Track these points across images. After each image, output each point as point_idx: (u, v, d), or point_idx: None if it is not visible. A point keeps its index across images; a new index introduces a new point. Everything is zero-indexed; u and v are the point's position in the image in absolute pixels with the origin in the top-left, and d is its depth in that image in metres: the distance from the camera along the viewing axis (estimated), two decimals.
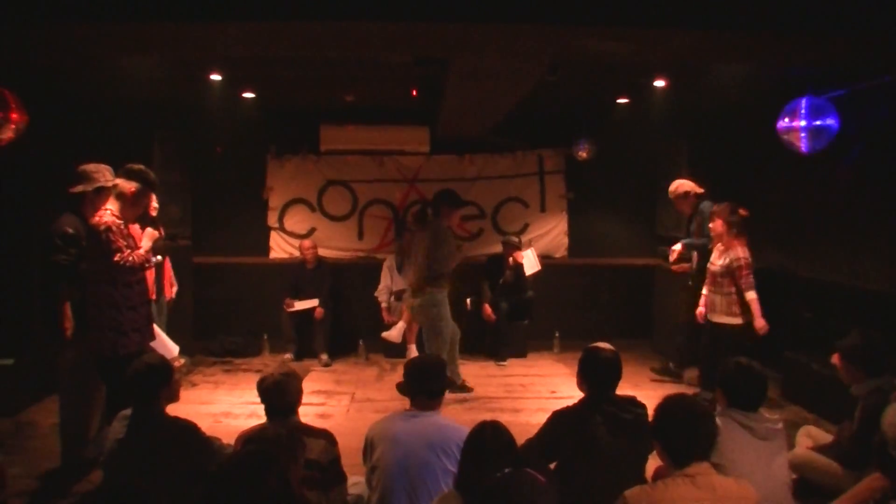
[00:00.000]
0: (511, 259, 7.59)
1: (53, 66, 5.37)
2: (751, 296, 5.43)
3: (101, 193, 4.42)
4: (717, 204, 5.76)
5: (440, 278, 5.99)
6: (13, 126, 4.71)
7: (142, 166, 4.33)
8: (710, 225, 5.69)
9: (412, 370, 3.44)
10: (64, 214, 4.43)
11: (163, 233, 6.28)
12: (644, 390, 6.22)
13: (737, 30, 3.66)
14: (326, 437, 3.29)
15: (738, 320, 5.47)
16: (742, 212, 5.60)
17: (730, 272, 5.46)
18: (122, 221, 4.16)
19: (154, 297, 6.05)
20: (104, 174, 4.45)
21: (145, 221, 4.79)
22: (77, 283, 4.35)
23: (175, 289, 6.45)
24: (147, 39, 4.02)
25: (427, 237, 6.05)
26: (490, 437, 2.67)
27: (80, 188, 4.42)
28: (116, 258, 4.05)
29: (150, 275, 5.75)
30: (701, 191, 6.35)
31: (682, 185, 6.37)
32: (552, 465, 3.33)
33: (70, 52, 4.63)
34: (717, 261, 5.60)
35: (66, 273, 4.35)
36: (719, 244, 5.65)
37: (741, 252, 5.45)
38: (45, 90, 5.69)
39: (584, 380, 3.39)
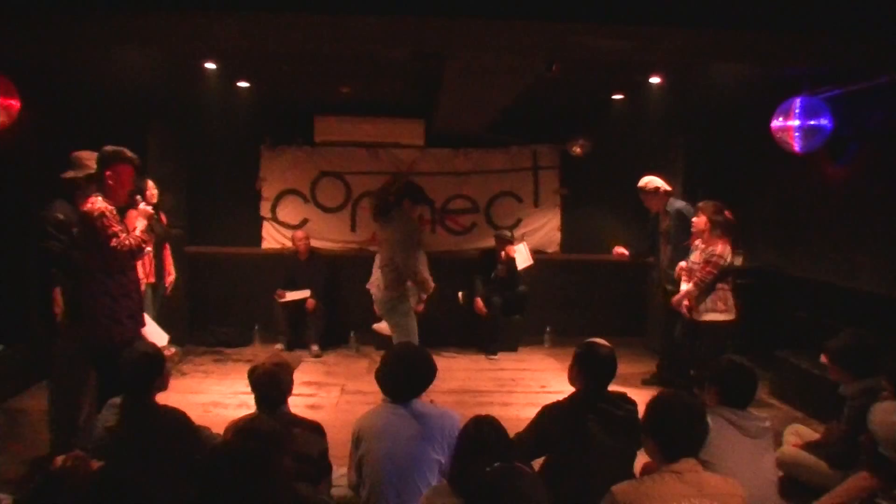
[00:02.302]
0: (504, 254, 7.60)
1: (48, 55, 5.34)
2: (690, 288, 5.50)
3: (93, 180, 4.40)
4: (703, 201, 5.78)
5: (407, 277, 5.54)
6: (6, 111, 4.69)
7: (114, 147, 4.24)
8: (694, 220, 5.70)
9: (392, 365, 3.39)
10: (55, 201, 4.41)
11: (164, 220, 6.27)
12: (635, 387, 6.24)
13: (734, 28, 3.66)
14: (316, 429, 3.29)
15: (724, 316, 5.49)
16: (728, 214, 5.61)
17: (704, 264, 5.50)
18: (113, 206, 4.14)
19: (153, 280, 6.06)
20: (94, 161, 4.43)
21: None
22: (68, 269, 4.34)
23: (172, 278, 6.44)
24: (143, 31, 4.00)
25: (397, 230, 5.53)
26: (487, 431, 2.68)
27: (70, 174, 4.40)
28: (113, 243, 4.02)
29: (148, 259, 5.75)
30: (670, 189, 6.34)
31: (652, 181, 6.28)
32: (542, 460, 3.35)
33: (66, 43, 4.61)
34: (698, 259, 5.62)
35: (58, 260, 4.33)
36: (699, 241, 5.66)
37: (720, 249, 5.47)
38: (38, 79, 5.65)
39: (579, 375, 3.38)
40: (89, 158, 4.42)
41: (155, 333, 4.90)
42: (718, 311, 5.49)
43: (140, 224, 4.28)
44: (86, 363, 4.37)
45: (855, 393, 3.72)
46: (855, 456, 3.57)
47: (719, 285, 5.51)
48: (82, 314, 4.21)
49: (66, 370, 4.45)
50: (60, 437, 4.44)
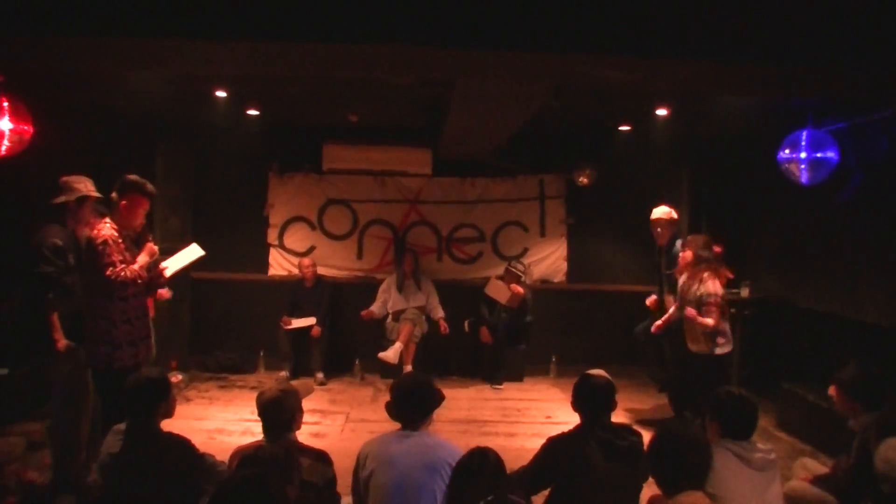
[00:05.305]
0: (510, 286, 7.51)
1: (59, 78, 5.39)
2: (707, 321, 5.34)
3: (84, 203, 4.43)
4: (692, 235, 5.78)
5: None
6: (19, 136, 4.74)
7: (136, 177, 4.33)
8: (681, 254, 5.70)
9: (399, 392, 3.42)
10: (50, 225, 4.39)
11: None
12: (641, 417, 6.21)
13: (741, 62, 3.69)
14: (322, 458, 3.27)
15: (722, 350, 5.44)
16: (717, 248, 5.60)
17: (699, 305, 5.40)
18: (118, 235, 4.17)
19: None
20: (85, 184, 4.45)
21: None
22: (63, 294, 4.35)
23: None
24: (154, 55, 4.04)
25: None
26: (480, 463, 2.66)
27: (62, 199, 4.42)
28: (108, 272, 4.06)
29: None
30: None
31: (671, 212, 6.29)
32: (546, 493, 3.33)
33: (77, 66, 4.66)
34: (689, 292, 5.54)
35: (54, 284, 4.33)
36: (685, 275, 5.64)
37: (712, 288, 5.37)
38: (49, 101, 5.71)
39: (577, 407, 3.43)
40: (78, 182, 4.44)
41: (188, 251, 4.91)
42: (719, 346, 5.45)
43: (142, 259, 4.30)
44: (84, 387, 4.37)
45: (864, 426, 3.69)
46: (864, 491, 3.53)
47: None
48: (84, 338, 4.23)
49: (65, 394, 4.44)
50: (62, 461, 4.42)
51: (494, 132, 6.34)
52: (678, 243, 6.12)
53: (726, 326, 5.48)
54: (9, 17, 3.44)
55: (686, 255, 5.60)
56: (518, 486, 3.06)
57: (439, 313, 7.70)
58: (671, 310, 5.75)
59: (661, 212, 6.28)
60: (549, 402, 6.94)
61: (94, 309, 4.19)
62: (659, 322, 5.85)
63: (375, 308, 7.66)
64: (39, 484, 4.43)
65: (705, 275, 5.43)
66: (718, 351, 5.41)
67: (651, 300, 6.45)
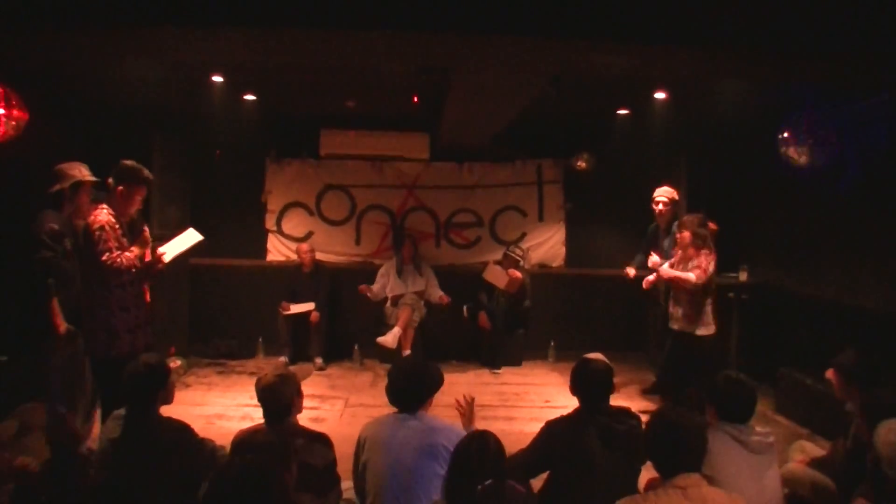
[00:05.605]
0: (509, 271, 7.51)
1: (55, 67, 5.37)
2: (688, 275, 5.45)
3: (79, 189, 4.42)
4: (686, 215, 5.80)
5: None
6: (13, 123, 4.72)
7: (132, 163, 4.30)
8: (678, 235, 5.72)
9: (395, 377, 3.42)
10: (47, 211, 4.39)
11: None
12: (638, 402, 6.22)
13: (738, 48, 3.68)
14: (323, 440, 3.28)
15: (705, 331, 5.47)
16: (712, 226, 5.61)
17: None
18: (115, 221, 4.15)
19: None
20: (79, 169, 4.44)
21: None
22: (62, 280, 4.34)
23: None
24: (151, 44, 4.03)
25: None
26: (478, 449, 2.67)
27: (57, 187, 4.40)
28: (104, 258, 4.04)
29: None
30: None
31: (674, 193, 6.41)
32: (544, 476, 3.34)
33: (73, 55, 4.64)
34: (684, 267, 5.62)
35: (53, 269, 4.32)
36: (682, 254, 5.67)
37: (703, 262, 5.46)
38: (44, 92, 5.68)
39: (575, 391, 3.43)
40: (71, 168, 4.44)
41: (186, 236, 4.80)
42: (703, 326, 5.49)
43: (136, 249, 4.28)
44: (82, 375, 4.37)
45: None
46: (860, 474, 3.54)
47: (707, 300, 5.51)
48: (83, 327, 4.22)
49: (63, 382, 4.44)
50: (59, 450, 4.42)
51: (493, 119, 6.32)
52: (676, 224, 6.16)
53: (708, 309, 5.52)
54: (1, 10, 3.43)
55: (685, 236, 5.61)
56: (516, 470, 3.08)
57: (439, 293, 7.71)
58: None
59: (663, 191, 6.38)
60: (547, 386, 6.95)
61: (91, 297, 4.18)
62: (650, 277, 5.86)
63: (375, 287, 7.66)
64: (33, 471, 4.42)
65: (701, 251, 5.51)
66: (699, 332, 5.45)
67: (630, 273, 6.56)
